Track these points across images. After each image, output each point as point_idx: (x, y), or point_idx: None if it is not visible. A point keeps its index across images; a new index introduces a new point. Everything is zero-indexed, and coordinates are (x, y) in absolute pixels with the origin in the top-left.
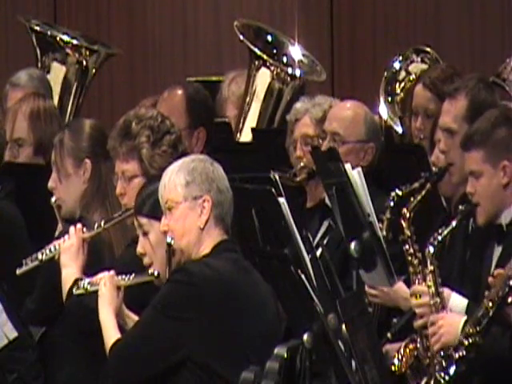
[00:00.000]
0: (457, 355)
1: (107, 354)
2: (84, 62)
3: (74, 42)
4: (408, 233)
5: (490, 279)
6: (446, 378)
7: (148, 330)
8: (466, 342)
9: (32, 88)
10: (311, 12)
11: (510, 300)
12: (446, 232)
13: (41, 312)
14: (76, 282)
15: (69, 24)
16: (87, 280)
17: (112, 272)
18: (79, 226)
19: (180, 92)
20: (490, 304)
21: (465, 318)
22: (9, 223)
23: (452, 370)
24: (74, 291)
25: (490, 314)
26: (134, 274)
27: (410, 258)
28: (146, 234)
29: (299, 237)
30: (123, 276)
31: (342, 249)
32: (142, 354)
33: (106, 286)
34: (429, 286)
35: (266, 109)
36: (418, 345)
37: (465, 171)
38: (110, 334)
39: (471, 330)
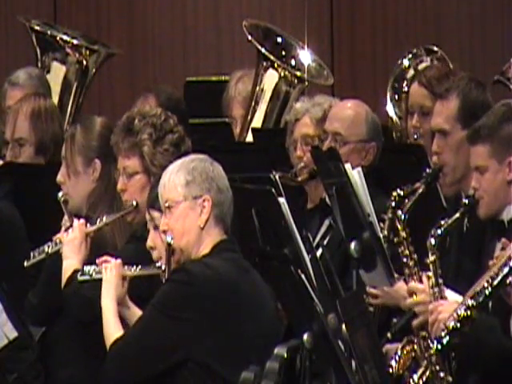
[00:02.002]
0: (451, 326)
1: (107, 345)
2: (84, 62)
3: (74, 41)
4: (403, 235)
5: (491, 262)
6: (439, 346)
7: (148, 329)
8: (462, 315)
9: (30, 87)
10: (311, 12)
11: (508, 281)
12: (449, 222)
13: (43, 306)
14: (75, 272)
15: (69, 24)
16: (93, 267)
17: (119, 260)
18: (82, 220)
19: (152, 99)
20: (490, 281)
21: None
22: (8, 223)
23: (445, 339)
24: (79, 277)
25: (488, 290)
26: (140, 266)
27: (405, 260)
28: (157, 227)
29: (299, 237)
30: (129, 266)
31: (342, 249)
32: (141, 353)
33: (112, 272)
34: (429, 277)
35: (272, 110)
36: (415, 346)
37: (458, 172)
38: (110, 322)
39: (468, 303)
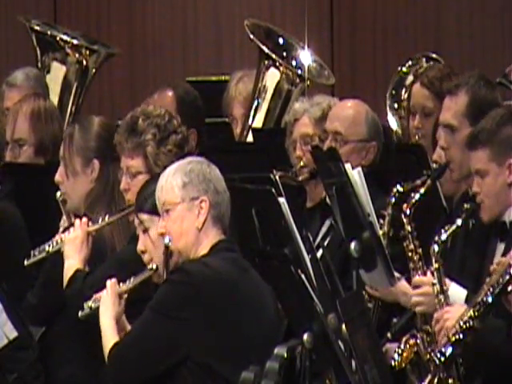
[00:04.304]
0: (453, 338)
1: (106, 357)
2: (84, 62)
3: (74, 41)
4: (408, 228)
5: (492, 267)
6: (442, 358)
7: (147, 330)
8: (464, 326)
9: (28, 87)
10: (311, 12)
11: (510, 288)
12: (450, 230)
13: (42, 307)
14: (77, 271)
15: (69, 24)
16: (89, 301)
17: (114, 279)
18: (85, 219)
19: (170, 94)
20: (490, 290)
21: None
22: (9, 223)
23: (448, 351)
24: (80, 315)
25: (489, 299)
26: (132, 277)
27: (410, 254)
28: (146, 230)
29: (299, 237)
30: (123, 282)
31: (342, 249)
32: (141, 354)
33: (108, 292)
34: (433, 284)
35: (274, 109)
36: (419, 340)
37: (465, 168)
38: (110, 339)
39: (469, 314)
